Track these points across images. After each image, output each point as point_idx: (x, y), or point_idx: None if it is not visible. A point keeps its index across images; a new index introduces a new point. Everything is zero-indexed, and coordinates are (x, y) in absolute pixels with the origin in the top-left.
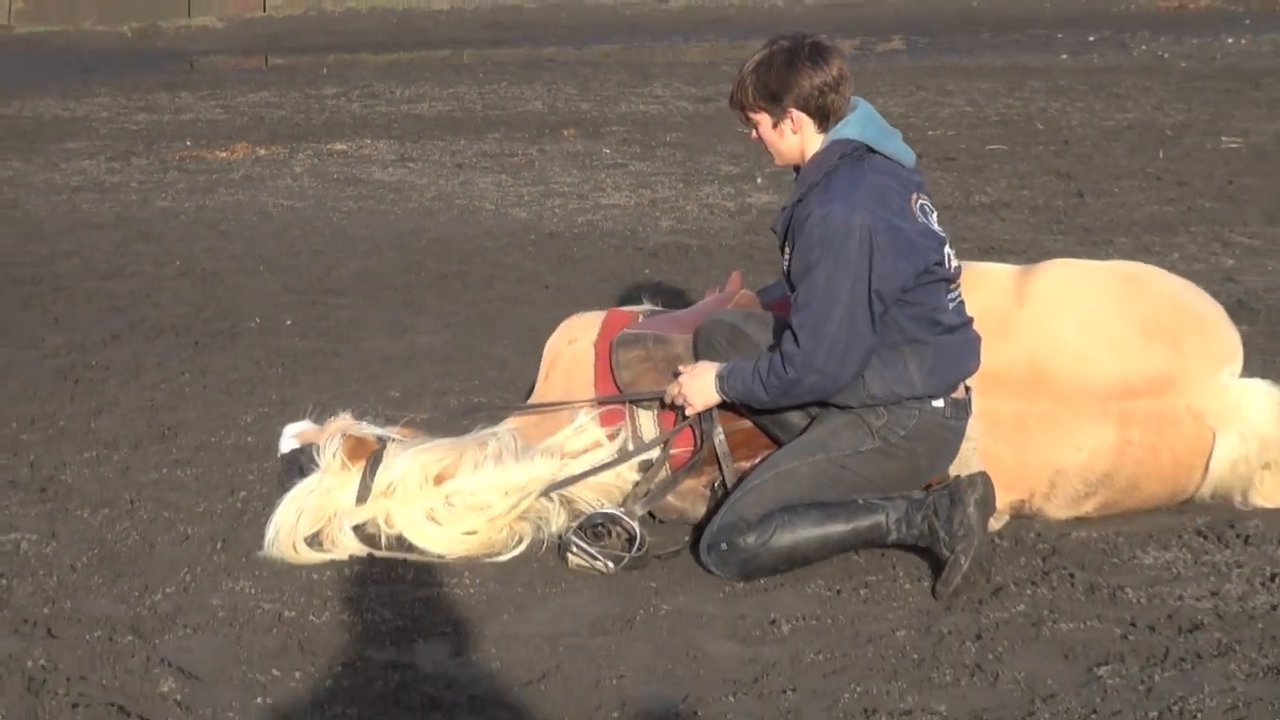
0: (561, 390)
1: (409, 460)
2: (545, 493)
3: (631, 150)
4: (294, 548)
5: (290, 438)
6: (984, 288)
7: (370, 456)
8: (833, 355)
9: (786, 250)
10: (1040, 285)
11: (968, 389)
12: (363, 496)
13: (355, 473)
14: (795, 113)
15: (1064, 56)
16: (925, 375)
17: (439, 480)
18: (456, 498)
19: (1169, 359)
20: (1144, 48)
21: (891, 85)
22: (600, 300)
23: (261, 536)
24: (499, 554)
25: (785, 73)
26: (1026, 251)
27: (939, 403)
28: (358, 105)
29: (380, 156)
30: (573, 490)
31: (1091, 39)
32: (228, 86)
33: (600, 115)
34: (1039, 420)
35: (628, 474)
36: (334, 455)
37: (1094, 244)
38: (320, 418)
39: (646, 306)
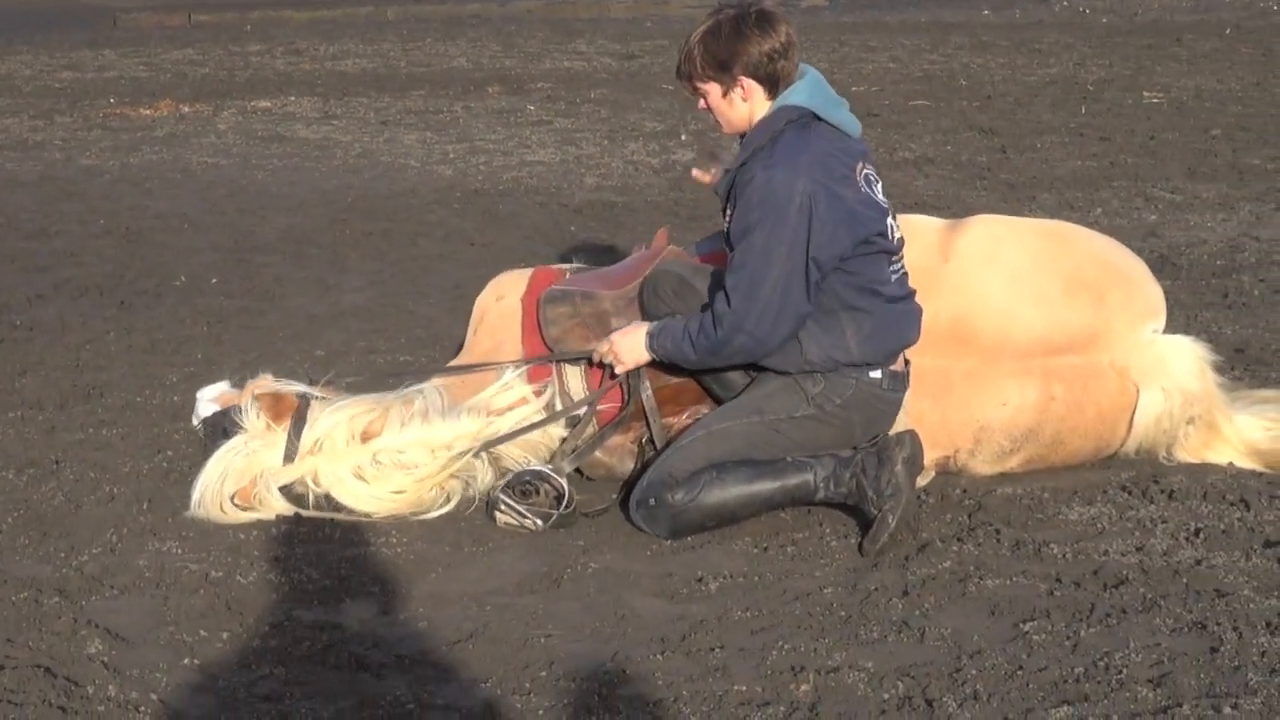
0: (489, 347)
1: (334, 416)
2: (475, 453)
3: (556, 107)
4: (220, 508)
5: (208, 401)
6: (911, 242)
7: (293, 414)
8: (764, 319)
9: (728, 212)
10: (965, 242)
11: (906, 362)
12: (290, 455)
13: (280, 432)
14: (745, 80)
15: (986, 13)
16: (862, 343)
17: (365, 437)
18: (384, 455)
19: (1092, 315)
20: (1065, 3)
21: (814, 42)
22: (527, 258)
23: (188, 497)
24: (427, 512)
25: (733, 41)
26: (950, 207)
27: (876, 373)
28: (282, 62)
29: (304, 114)
30: (500, 447)
31: None
32: (151, 44)
33: (525, 72)
34: (963, 377)
35: (555, 430)
36: (257, 415)
37: (1017, 200)
38: (239, 380)
39: (574, 265)
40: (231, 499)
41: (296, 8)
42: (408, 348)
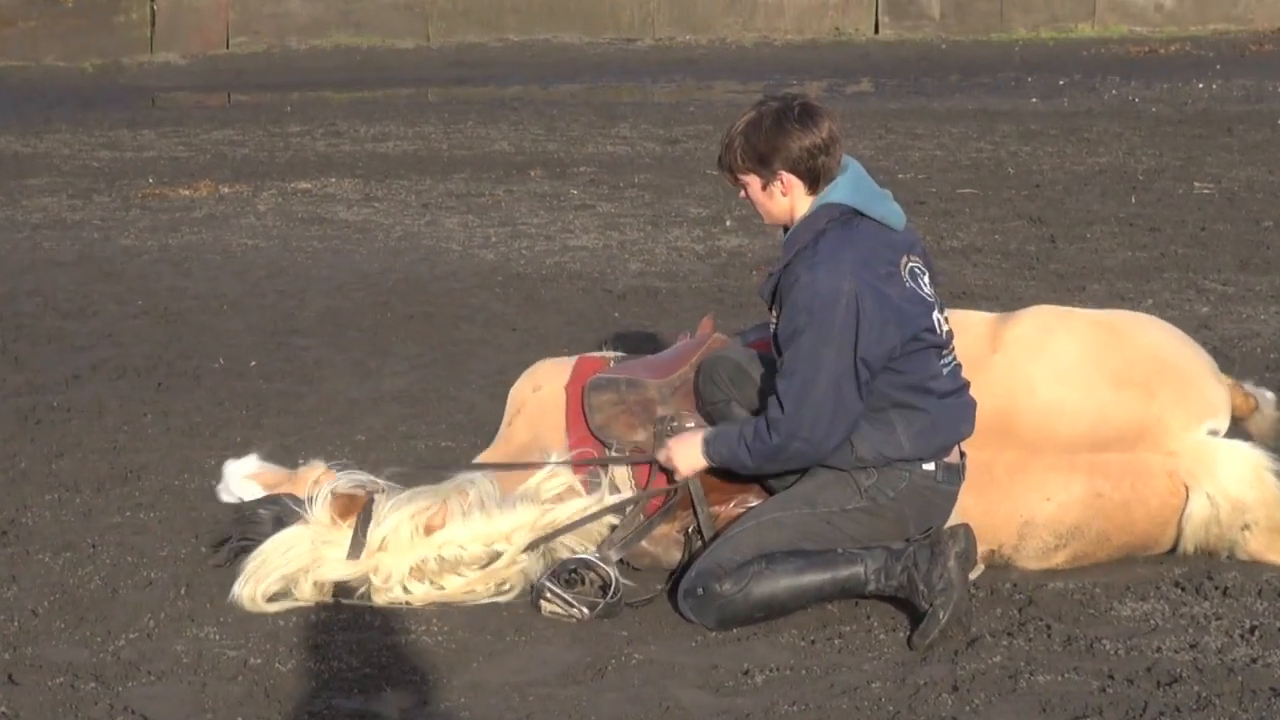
0: (526, 439)
1: (398, 513)
2: (534, 546)
3: (599, 191)
4: (257, 598)
5: (241, 479)
6: (961, 332)
7: (360, 511)
8: (817, 423)
9: (774, 314)
10: (1016, 331)
11: (962, 454)
12: (355, 553)
13: (345, 529)
14: (785, 175)
15: (1034, 100)
16: (914, 439)
17: (428, 531)
18: (447, 550)
19: (1142, 410)
20: (1114, 92)
21: (860, 128)
22: (569, 344)
23: (228, 582)
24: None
25: (774, 135)
26: (999, 297)
27: (929, 465)
28: (322, 143)
29: (345, 195)
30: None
31: (1062, 83)
32: (190, 124)
33: (567, 156)
34: (1006, 470)
35: (607, 519)
36: (324, 509)
37: (1067, 290)
38: (269, 454)
39: (616, 353)
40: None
41: (337, 89)
42: (448, 434)
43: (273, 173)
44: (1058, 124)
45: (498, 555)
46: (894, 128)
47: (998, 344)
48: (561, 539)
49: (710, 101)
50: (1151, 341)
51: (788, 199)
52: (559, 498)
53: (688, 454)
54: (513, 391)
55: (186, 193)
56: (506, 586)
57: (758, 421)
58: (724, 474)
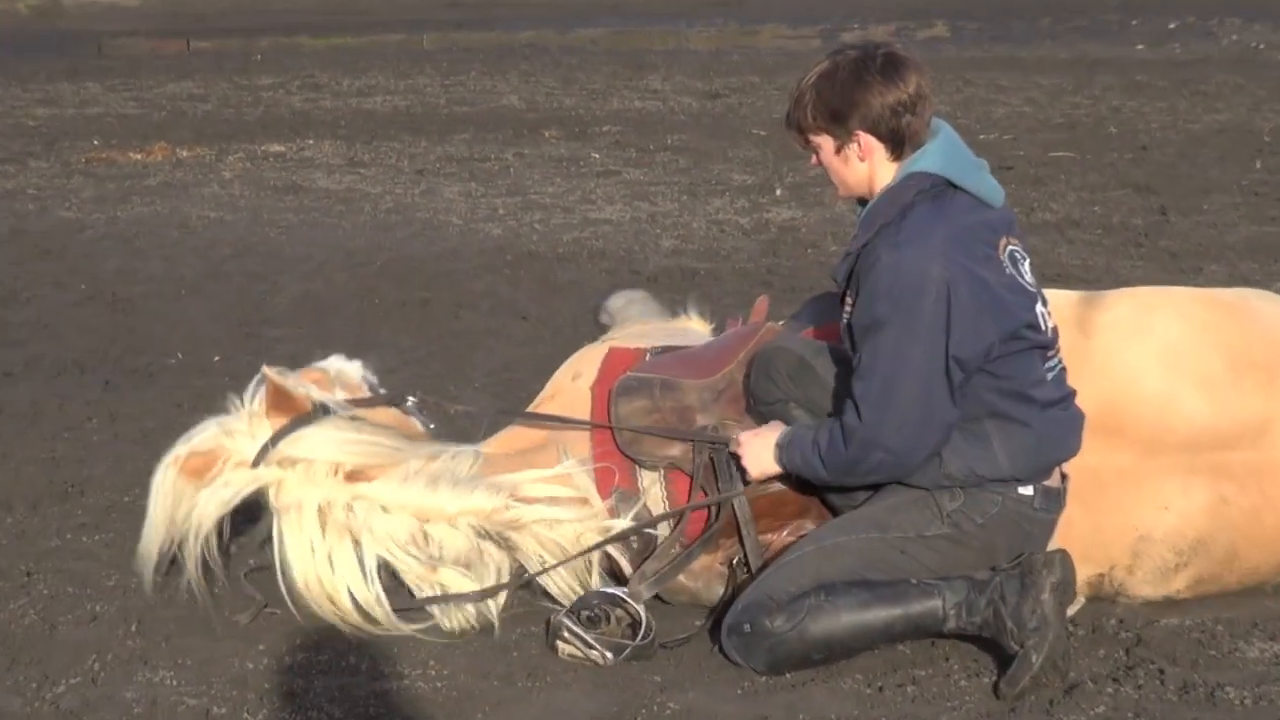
0: (550, 430)
1: (329, 440)
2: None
3: (625, 155)
4: (164, 473)
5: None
6: None
7: (294, 417)
8: (903, 432)
9: (848, 301)
10: (1112, 313)
11: (1064, 476)
12: (259, 459)
13: (264, 427)
14: (863, 136)
15: (1140, 47)
16: (1012, 456)
17: (352, 477)
18: (361, 506)
19: (1265, 399)
20: (1234, 37)
21: (934, 80)
22: (589, 334)
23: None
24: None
25: (851, 88)
26: (1100, 280)
27: (1027, 490)
28: (298, 99)
29: (325, 160)
30: (517, 537)
31: (1172, 26)
32: (142, 75)
33: (588, 113)
34: (1117, 477)
35: (590, 534)
36: (254, 399)
37: (1180, 271)
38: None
39: (653, 340)
40: (178, 464)
41: (314, 33)
42: (448, 439)
43: (240, 133)
44: (1168, 75)
45: (436, 537)
46: (974, 79)
47: (1090, 328)
48: (530, 547)
49: (756, 49)
50: (1273, 319)
51: (866, 165)
52: (553, 500)
53: (759, 454)
54: (554, 376)
55: (138, 156)
56: (429, 589)
57: (832, 426)
58: (777, 495)
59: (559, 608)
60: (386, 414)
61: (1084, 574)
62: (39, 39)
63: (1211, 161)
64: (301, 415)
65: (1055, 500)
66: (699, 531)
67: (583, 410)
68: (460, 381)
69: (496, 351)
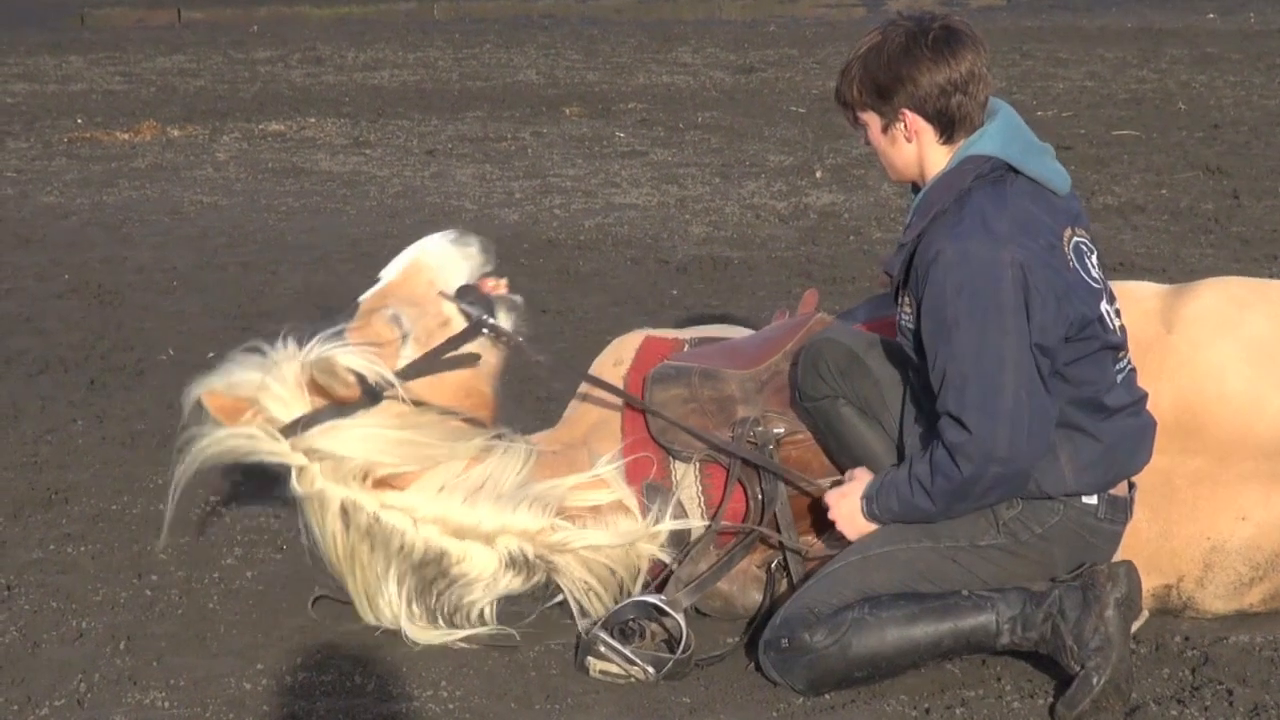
0: (594, 417)
1: (364, 439)
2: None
3: (653, 134)
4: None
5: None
6: (1122, 308)
7: (331, 403)
8: (1016, 438)
9: (907, 300)
10: (1196, 307)
11: (1131, 485)
12: (290, 431)
13: (302, 403)
14: (909, 115)
15: (1211, 16)
16: (1080, 471)
17: (381, 484)
18: (391, 517)
19: None
20: None
21: (989, 53)
22: (613, 328)
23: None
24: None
25: (899, 63)
26: (1166, 269)
27: (1091, 499)
28: (298, 73)
29: (328, 140)
30: (561, 560)
31: None
32: (129, 48)
33: (612, 88)
34: (1190, 481)
35: (645, 546)
36: (295, 367)
37: (1253, 259)
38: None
39: (692, 332)
40: (209, 397)
41: (316, 3)
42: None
43: (235, 111)
44: (1241, 46)
45: (463, 555)
46: (1032, 51)
47: (1174, 322)
48: (575, 572)
49: (795, 19)
50: None
51: (913, 147)
52: (596, 510)
53: (849, 514)
54: (595, 362)
55: (125, 136)
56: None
57: (933, 455)
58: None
59: (581, 621)
60: (455, 378)
61: (1150, 585)
62: (16, 9)
63: None
64: (344, 404)
65: (1122, 510)
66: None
67: (616, 400)
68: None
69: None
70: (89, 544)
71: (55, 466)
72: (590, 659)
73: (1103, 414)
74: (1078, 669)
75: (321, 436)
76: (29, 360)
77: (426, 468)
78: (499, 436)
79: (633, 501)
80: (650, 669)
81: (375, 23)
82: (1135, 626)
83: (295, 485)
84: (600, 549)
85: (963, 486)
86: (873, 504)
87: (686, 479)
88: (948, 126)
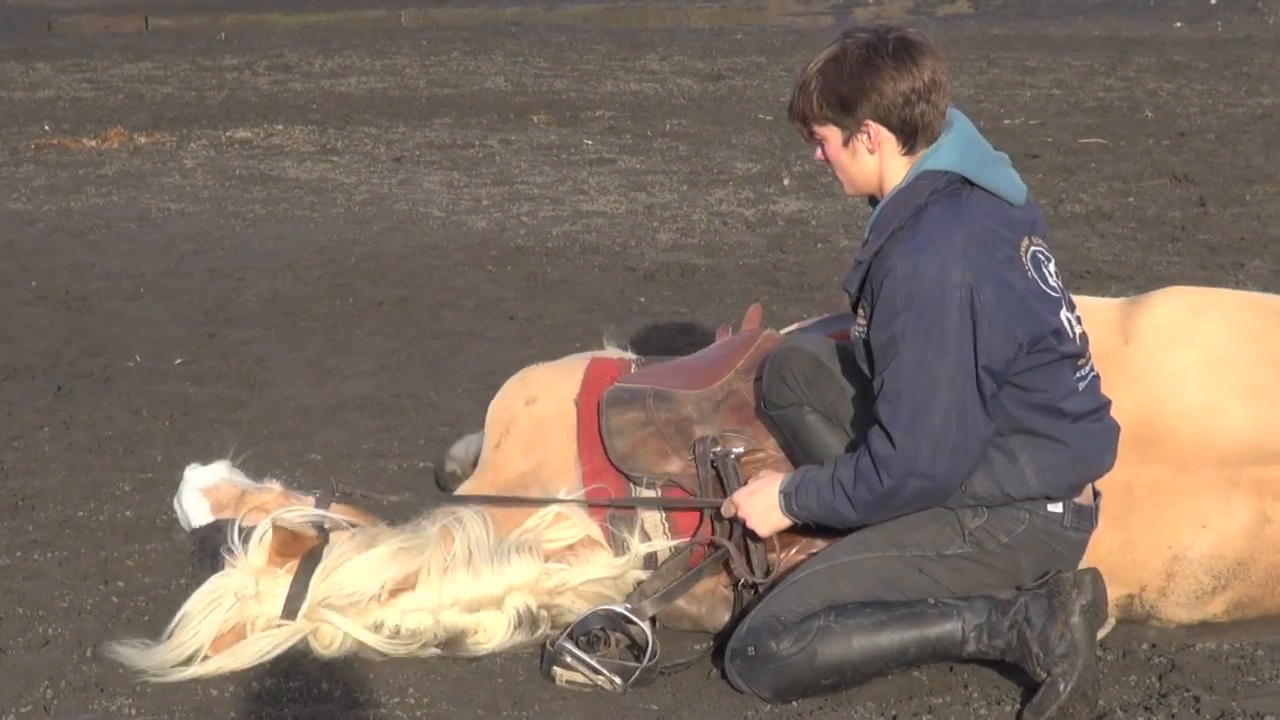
0: (524, 466)
1: (363, 570)
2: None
3: (621, 142)
4: (187, 665)
5: (197, 493)
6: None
7: (306, 555)
8: (939, 456)
9: (862, 314)
10: (1154, 317)
11: (1096, 493)
12: (292, 610)
13: (284, 576)
14: (873, 126)
15: (1178, 25)
16: (1041, 473)
17: (395, 593)
18: (416, 619)
19: None
20: None
21: (957, 60)
22: (582, 336)
23: (143, 646)
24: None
25: (861, 74)
26: (1133, 277)
27: (1056, 507)
28: (265, 80)
29: (295, 147)
30: (563, 601)
31: (1213, 2)
32: (97, 55)
33: (580, 96)
34: (1150, 491)
35: (635, 573)
36: (257, 547)
37: (1220, 268)
38: (248, 462)
39: (632, 354)
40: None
41: (284, 9)
42: (428, 451)
43: (202, 118)
44: (1208, 55)
45: (478, 625)
46: (998, 60)
47: (1131, 333)
48: (577, 607)
49: (763, 26)
50: None
51: (875, 159)
52: (571, 550)
53: (764, 511)
54: (495, 406)
55: (93, 143)
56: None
57: (857, 461)
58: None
59: (550, 633)
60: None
61: (1112, 595)
62: None
63: (1255, 149)
64: (312, 551)
65: (1087, 518)
66: (703, 552)
67: (559, 434)
68: (442, 387)
69: (481, 354)
70: (55, 550)
71: (22, 473)
72: (556, 668)
73: (1063, 418)
74: (1044, 676)
75: (324, 587)
76: None
77: (420, 566)
78: (445, 514)
79: (599, 533)
80: (616, 678)
81: (343, 30)
82: (1101, 634)
83: (317, 648)
84: (596, 580)
85: (883, 496)
86: (791, 500)
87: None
88: (910, 136)
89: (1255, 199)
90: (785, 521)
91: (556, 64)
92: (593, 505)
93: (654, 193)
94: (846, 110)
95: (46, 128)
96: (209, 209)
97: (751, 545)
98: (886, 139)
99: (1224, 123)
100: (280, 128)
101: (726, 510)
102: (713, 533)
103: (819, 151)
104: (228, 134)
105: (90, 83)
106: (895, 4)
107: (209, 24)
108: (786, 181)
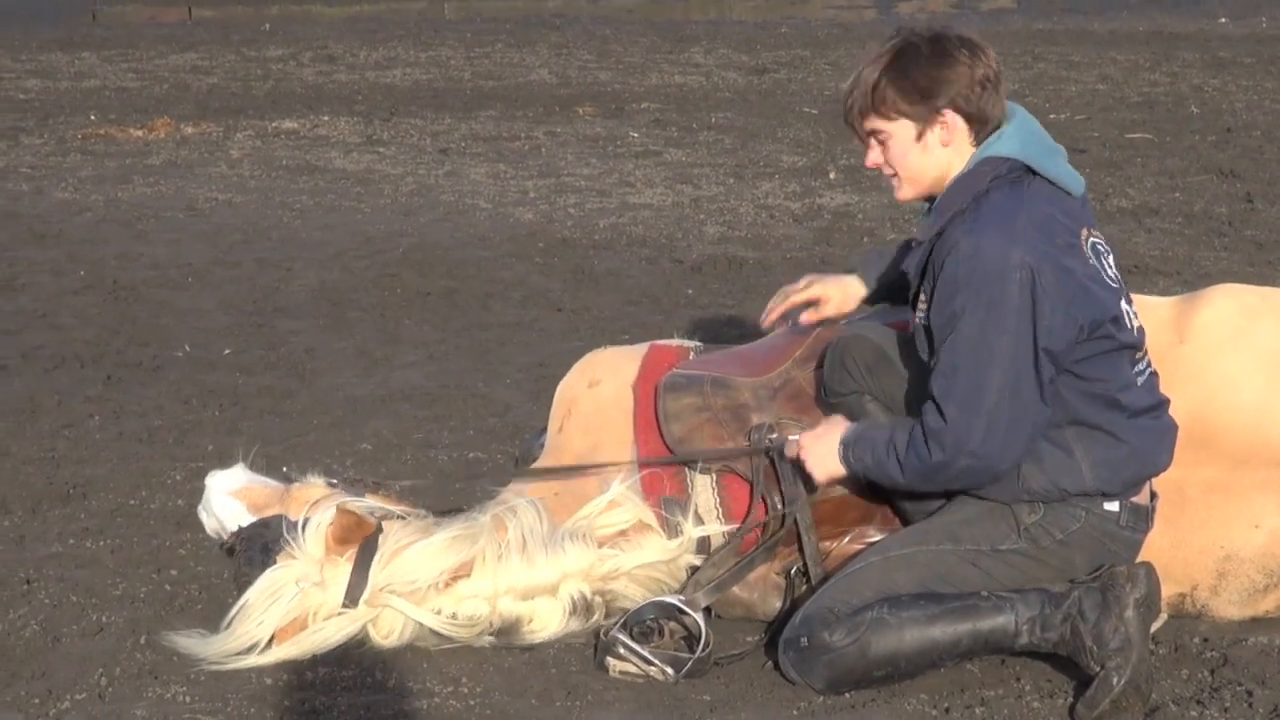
0: (583, 446)
1: (423, 557)
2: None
3: (666, 134)
4: (256, 656)
5: (224, 495)
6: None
7: (363, 543)
8: (991, 435)
9: (923, 298)
10: (1208, 315)
11: (1153, 494)
12: (354, 597)
13: (344, 564)
14: (950, 116)
15: (1223, 20)
16: (1097, 468)
17: (452, 580)
18: (472, 606)
19: None
20: None
21: (1000, 55)
22: (630, 329)
23: (198, 631)
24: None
25: (939, 64)
26: (1180, 273)
27: (1113, 505)
28: (310, 71)
29: (341, 138)
30: (618, 586)
31: None
32: (142, 45)
33: (625, 88)
34: (1203, 490)
35: (688, 558)
36: (316, 539)
37: (1268, 263)
38: (261, 465)
39: (694, 341)
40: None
41: (327, 2)
42: (477, 441)
43: (248, 108)
44: (1254, 50)
45: (533, 613)
46: (1043, 54)
47: (1186, 331)
48: (633, 594)
49: (807, 20)
50: None
51: (948, 150)
52: (624, 535)
53: (822, 456)
54: (561, 387)
55: (139, 133)
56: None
57: (913, 428)
58: (840, 500)
59: (604, 623)
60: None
61: (1164, 594)
62: (28, 5)
63: None
64: (368, 540)
65: (1143, 518)
66: (756, 537)
67: (616, 418)
68: (490, 378)
69: (529, 346)
70: (108, 539)
71: (73, 461)
72: (609, 659)
73: (1121, 413)
74: (1097, 669)
75: (384, 574)
76: (45, 355)
77: (475, 553)
78: (498, 503)
79: (652, 518)
80: (669, 669)
81: (387, 21)
82: (1154, 628)
83: (376, 637)
84: (650, 565)
85: (931, 469)
86: (849, 450)
87: (703, 490)
88: (982, 125)
89: None
90: (840, 470)
91: (601, 56)
92: (653, 464)
93: (700, 185)
94: (926, 99)
95: (93, 117)
96: (256, 199)
97: (804, 535)
98: (960, 129)
99: (1270, 119)
100: (326, 119)
101: (790, 451)
102: (765, 525)
103: (873, 155)
104: (274, 125)
105: (135, 73)
106: (938, 1)
107: (253, 14)
108: (832, 175)
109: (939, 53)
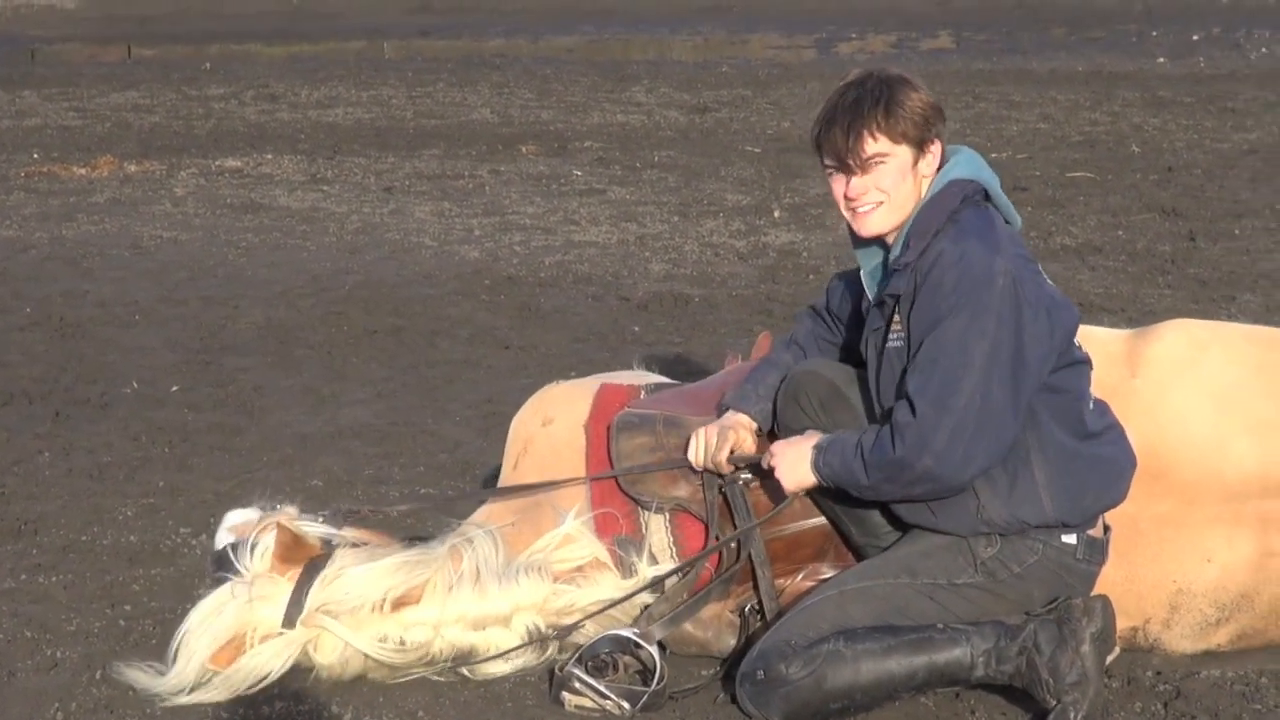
0: (542, 475)
1: (366, 580)
2: (546, 638)
3: (610, 172)
4: (199, 678)
5: (225, 530)
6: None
7: (307, 564)
8: (956, 438)
9: (898, 321)
10: (1159, 350)
11: (1106, 527)
12: (291, 618)
13: (285, 582)
14: (935, 145)
15: (1162, 60)
16: (1057, 497)
17: (398, 604)
18: (417, 633)
19: None
20: (1264, 50)
21: (941, 95)
22: (576, 365)
23: (151, 664)
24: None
25: (922, 97)
26: (1125, 310)
27: (1070, 538)
28: (252, 110)
29: (285, 176)
30: (570, 621)
31: (1196, 38)
32: (82, 84)
33: (567, 127)
34: (1155, 524)
35: (645, 597)
36: (262, 556)
37: (1211, 300)
38: (246, 487)
39: (646, 377)
40: (212, 660)
41: (268, 41)
42: (428, 478)
43: (191, 147)
44: (1193, 90)
45: (486, 644)
46: (984, 94)
47: (1138, 365)
48: (587, 629)
49: (747, 59)
50: None
51: (924, 180)
52: (579, 570)
53: (794, 462)
54: (515, 424)
55: (83, 171)
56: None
57: (879, 428)
58: (793, 536)
59: (558, 657)
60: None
61: (1118, 626)
62: None
63: (1242, 184)
64: (315, 560)
65: (1099, 551)
66: (710, 574)
67: (569, 456)
68: (439, 414)
69: (477, 383)
70: (60, 574)
71: (23, 497)
72: (564, 694)
73: (1082, 435)
74: (1053, 703)
75: (325, 594)
76: None
77: (425, 580)
78: (456, 534)
79: (606, 556)
80: (624, 703)
81: (327, 60)
82: (1107, 661)
83: (317, 659)
84: (604, 601)
85: (893, 465)
86: (821, 455)
87: (657, 530)
88: (939, 156)
89: (1244, 233)
90: (810, 478)
91: (542, 95)
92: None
93: (645, 223)
94: (928, 127)
95: (35, 155)
96: (201, 237)
97: (759, 570)
98: (937, 158)
99: (1210, 158)
100: (270, 157)
101: (766, 461)
102: (719, 562)
103: (859, 182)
104: (217, 163)
105: (77, 111)
106: (878, 39)
107: (192, 54)
108: (777, 213)
109: (910, 86)
